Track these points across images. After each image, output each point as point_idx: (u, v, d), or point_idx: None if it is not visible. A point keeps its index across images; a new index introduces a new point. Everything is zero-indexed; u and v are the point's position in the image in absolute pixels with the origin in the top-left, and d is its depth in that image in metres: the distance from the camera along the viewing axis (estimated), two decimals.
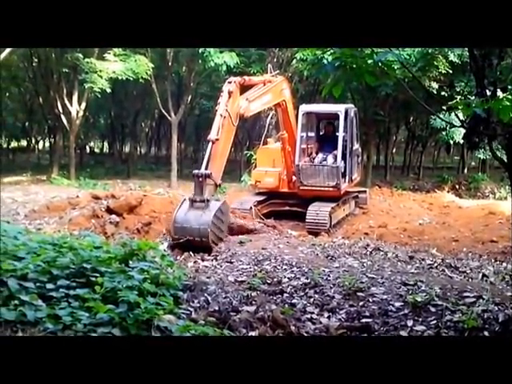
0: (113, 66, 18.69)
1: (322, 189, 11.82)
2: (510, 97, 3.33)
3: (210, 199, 8.53)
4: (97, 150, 44.48)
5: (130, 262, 4.37)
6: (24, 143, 38.20)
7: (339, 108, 12.23)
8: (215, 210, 8.33)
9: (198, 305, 4.51)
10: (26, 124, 33.97)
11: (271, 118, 20.79)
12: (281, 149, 12.57)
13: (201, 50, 18.03)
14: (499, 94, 3.54)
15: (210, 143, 9.01)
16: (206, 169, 8.75)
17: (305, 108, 12.62)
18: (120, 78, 18.87)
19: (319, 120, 13.62)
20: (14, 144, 37.21)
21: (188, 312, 4.18)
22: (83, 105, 21.88)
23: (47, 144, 35.87)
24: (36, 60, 23.15)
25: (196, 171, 8.79)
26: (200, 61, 19.67)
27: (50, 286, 3.59)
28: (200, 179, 8.59)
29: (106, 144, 44.42)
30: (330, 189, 11.79)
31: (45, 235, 6.25)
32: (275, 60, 20.45)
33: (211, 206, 8.40)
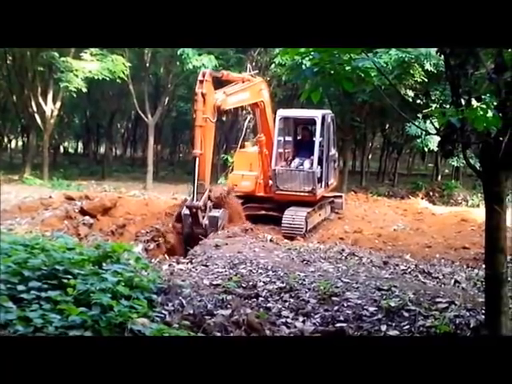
0: (89, 65, 18.50)
1: (298, 193, 11.85)
2: (484, 106, 3.39)
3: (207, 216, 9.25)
4: (71, 151, 43.92)
5: (104, 265, 4.32)
6: None
7: (316, 113, 12.30)
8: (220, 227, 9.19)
9: (173, 308, 4.47)
10: None
11: (249, 121, 20.80)
12: (258, 152, 12.57)
13: (179, 52, 17.95)
14: (474, 103, 3.60)
15: (196, 158, 9.22)
16: (201, 185, 9.22)
17: (282, 113, 12.66)
18: (96, 77, 18.68)
19: (296, 125, 13.68)
20: None
21: (162, 315, 4.13)
22: (58, 104, 21.59)
23: (20, 143, 35.24)
24: (10, 58, 22.75)
25: (189, 203, 9.24)
26: (178, 62, 19.58)
27: (20, 287, 3.52)
28: (194, 210, 9.02)
29: (80, 144, 43.89)
30: (306, 194, 11.83)
31: (16, 236, 6.12)
32: (254, 64, 20.53)
33: (211, 223, 9.16)
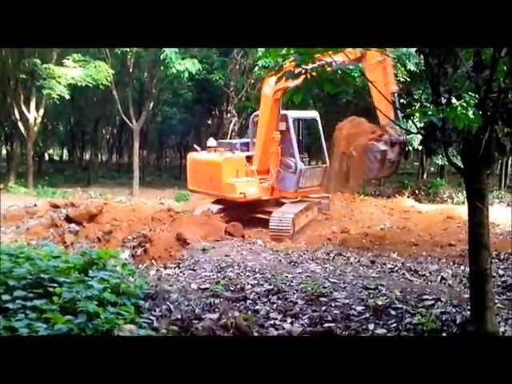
0: (72, 71, 18.39)
1: (316, 189, 12.78)
2: (464, 105, 3.43)
3: None
4: (56, 158, 43.54)
5: (90, 272, 4.30)
6: None
7: (314, 113, 13.59)
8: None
9: (160, 313, 4.46)
10: None
11: (234, 124, 20.75)
12: (274, 152, 12.36)
13: (162, 56, 17.91)
14: (454, 101, 3.64)
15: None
16: None
17: (292, 114, 12.76)
18: (79, 84, 18.58)
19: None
20: None
21: (150, 321, 4.12)
22: (41, 111, 21.43)
23: (4, 151, 34.90)
24: None
25: (395, 139, 9.13)
26: (162, 67, 19.52)
27: (5, 297, 3.50)
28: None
29: (65, 151, 43.56)
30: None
31: (1, 245, 6.07)
32: (237, 67, 20.52)
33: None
